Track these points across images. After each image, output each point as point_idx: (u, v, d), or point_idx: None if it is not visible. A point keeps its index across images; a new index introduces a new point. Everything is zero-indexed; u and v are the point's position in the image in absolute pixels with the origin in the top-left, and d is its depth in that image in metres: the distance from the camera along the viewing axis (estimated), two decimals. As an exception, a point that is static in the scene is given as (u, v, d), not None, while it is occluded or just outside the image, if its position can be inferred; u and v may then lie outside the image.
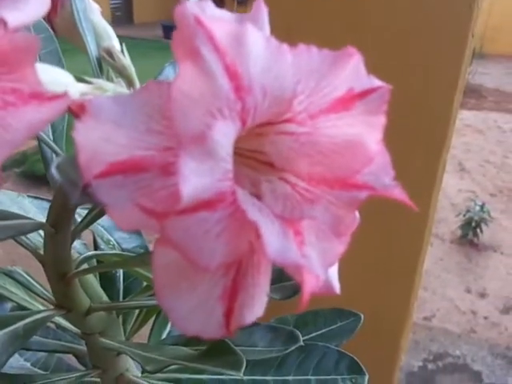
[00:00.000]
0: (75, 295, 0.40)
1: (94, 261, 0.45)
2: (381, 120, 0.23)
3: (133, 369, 0.50)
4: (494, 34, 8.49)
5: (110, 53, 0.34)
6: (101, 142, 0.21)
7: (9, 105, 0.20)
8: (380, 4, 0.79)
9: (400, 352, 1.03)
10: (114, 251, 0.52)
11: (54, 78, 0.26)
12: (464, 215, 3.17)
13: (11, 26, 0.20)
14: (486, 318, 2.50)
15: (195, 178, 0.19)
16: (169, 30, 9.74)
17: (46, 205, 0.53)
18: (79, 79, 0.28)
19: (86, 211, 0.40)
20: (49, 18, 0.38)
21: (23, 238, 0.39)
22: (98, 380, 0.50)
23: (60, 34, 0.38)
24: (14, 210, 0.48)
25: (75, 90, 0.27)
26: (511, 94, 6.83)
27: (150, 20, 11.80)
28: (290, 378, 0.55)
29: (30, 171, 3.59)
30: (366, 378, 0.56)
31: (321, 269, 0.22)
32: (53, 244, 0.36)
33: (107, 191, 0.21)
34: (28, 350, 0.56)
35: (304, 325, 0.62)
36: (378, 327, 0.93)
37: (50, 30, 0.41)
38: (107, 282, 0.53)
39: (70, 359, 0.61)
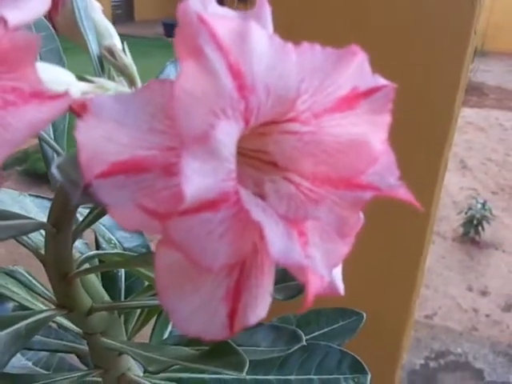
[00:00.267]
0: (77, 295, 0.40)
1: (96, 260, 0.45)
2: (386, 119, 0.23)
3: (134, 368, 0.50)
4: (495, 31, 8.48)
5: (111, 51, 0.33)
6: (102, 142, 0.20)
7: (9, 104, 0.20)
8: (382, 2, 0.79)
9: (402, 350, 1.03)
10: (115, 251, 0.52)
11: (55, 76, 0.26)
12: (466, 213, 3.17)
13: (11, 25, 0.20)
14: (487, 315, 2.50)
15: (198, 178, 0.19)
16: (170, 28, 9.73)
17: (48, 204, 0.53)
18: (80, 78, 0.28)
19: (87, 210, 0.40)
20: (50, 16, 0.37)
21: (24, 237, 0.39)
22: (100, 380, 0.50)
23: (61, 33, 0.38)
24: (16, 209, 0.47)
25: (76, 88, 0.27)
26: (513, 91, 6.83)
27: (150, 18, 11.79)
28: (292, 377, 0.55)
29: (31, 169, 3.59)
30: (369, 377, 0.56)
31: (325, 270, 0.22)
32: (54, 244, 0.36)
33: (108, 191, 0.20)
34: (30, 349, 0.56)
35: (306, 324, 0.62)
36: (379, 325, 0.92)
37: (51, 28, 0.40)
38: (109, 281, 0.53)
39: (72, 359, 0.61)
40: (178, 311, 0.22)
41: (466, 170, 4.21)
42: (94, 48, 0.34)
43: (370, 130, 0.23)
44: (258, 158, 0.26)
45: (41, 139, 0.36)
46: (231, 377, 0.49)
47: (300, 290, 0.38)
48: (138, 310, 0.54)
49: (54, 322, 0.47)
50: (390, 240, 0.93)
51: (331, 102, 0.23)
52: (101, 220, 0.48)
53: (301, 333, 0.45)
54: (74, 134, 0.20)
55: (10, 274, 0.43)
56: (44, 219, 0.50)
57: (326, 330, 0.62)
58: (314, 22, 0.83)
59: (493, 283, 2.77)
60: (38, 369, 0.61)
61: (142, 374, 0.51)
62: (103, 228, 0.57)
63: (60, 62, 0.41)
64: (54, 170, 0.21)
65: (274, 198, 0.24)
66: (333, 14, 0.81)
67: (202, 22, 0.20)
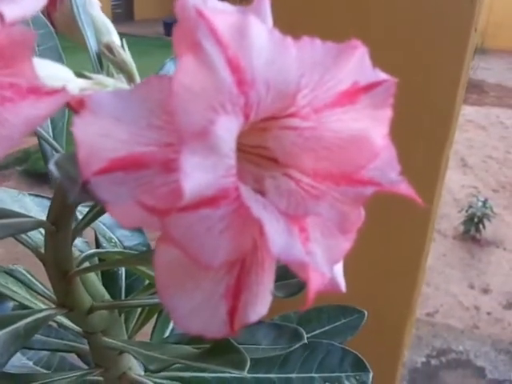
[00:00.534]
0: (77, 294, 0.40)
1: (96, 259, 0.45)
2: (387, 114, 0.23)
3: (135, 367, 0.50)
4: (495, 29, 8.48)
5: (110, 48, 0.33)
6: (100, 138, 0.20)
7: (6, 100, 0.20)
8: (384, 4, 0.79)
9: (403, 348, 1.03)
10: (115, 249, 0.52)
11: (53, 72, 0.26)
12: (466, 211, 3.17)
13: (8, 20, 0.20)
14: (489, 313, 2.50)
15: (197, 174, 0.19)
16: (170, 27, 9.72)
17: (47, 203, 0.52)
18: (79, 74, 0.28)
19: (87, 209, 0.39)
20: (48, 13, 0.37)
21: (24, 236, 0.38)
22: (101, 379, 0.50)
23: (59, 30, 0.38)
24: (15, 208, 0.47)
25: (75, 85, 0.27)
26: (513, 89, 6.82)
27: (150, 17, 11.79)
28: (293, 375, 0.54)
29: (32, 169, 3.59)
30: (371, 375, 0.56)
31: (326, 266, 0.22)
32: (54, 242, 0.36)
33: (107, 188, 0.20)
34: (30, 349, 0.55)
35: (307, 322, 0.61)
36: (381, 323, 0.92)
37: (50, 25, 0.40)
38: (109, 280, 0.53)
39: (73, 358, 0.61)
40: (178, 309, 0.22)
41: (466, 168, 4.21)
42: (92, 45, 0.34)
43: (371, 125, 0.23)
44: (257, 153, 0.25)
45: (40, 137, 0.36)
46: (232, 375, 0.49)
47: (301, 287, 0.38)
48: (139, 309, 0.54)
49: (54, 321, 0.47)
50: (391, 238, 0.92)
51: (331, 96, 0.22)
52: (101, 219, 0.48)
53: (302, 331, 0.44)
54: (71, 130, 0.20)
55: (10, 273, 0.43)
56: (44, 218, 0.50)
57: (327, 327, 0.62)
58: (314, 21, 0.83)
59: (494, 281, 2.77)
60: (38, 368, 0.61)
61: (143, 373, 0.51)
62: (103, 227, 0.57)
63: (59, 60, 0.40)
64: (52, 167, 0.20)
65: (274, 195, 0.24)
66: (333, 11, 0.81)
67: (201, 16, 0.19)
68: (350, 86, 0.22)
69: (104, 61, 0.35)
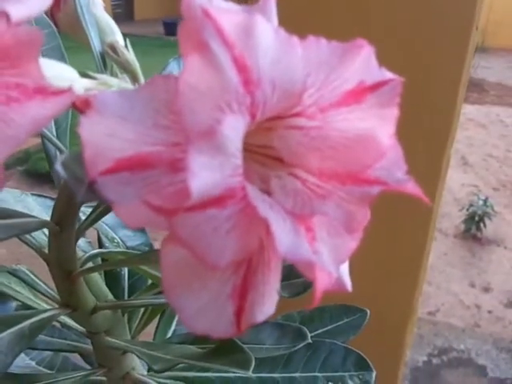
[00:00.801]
0: (80, 294, 0.40)
1: (99, 259, 0.45)
2: (393, 113, 0.23)
3: (139, 367, 0.50)
4: (495, 27, 8.47)
5: (113, 48, 0.33)
6: (106, 138, 0.20)
7: (12, 100, 0.20)
8: (384, 3, 0.79)
9: (405, 347, 1.03)
10: (118, 249, 0.52)
11: (58, 73, 0.26)
12: (467, 209, 3.17)
13: (14, 20, 0.20)
14: (490, 312, 2.50)
15: (204, 174, 0.19)
16: (170, 26, 9.73)
17: (50, 203, 0.52)
18: (83, 74, 0.28)
19: (90, 209, 0.39)
20: (51, 13, 0.37)
21: (28, 236, 0.38)
22: (104, 379, 0.50)
23: (63, 30, 0.38)
24: (18, 208, 0.47)
25: (79, 85, 0.27)
26: (513, 87, 6.82)
27: (150, 17, 11.78)
28: (297, 374, 0.54)
29: (33, 169, 3.59)
30: (374, 374, 0.56)
31: (332, 265, 0.22)
32: (57, 242, 0.36)
33: (113, 188, 0.20)
34: (34, 349, 0.55)
35: (310, 321, 0.61)
36: (382, 322, 0.92)
37: (53, 25, 0.40)
38: (112, 280, 0.53)
39: (76, 358, 0.61)
40: (185, 309, 0.22)
41: (467, 167, 4.21)
42: (96, 45, 0.34)
43: (378, 124, 0.23)
44: (263, 153, 0.25)
45: (43, 137, 0.36)
46: (236, 375, 0.49)
47: (306, 287, 0.38)
48: (142, 309, 0.54)
49: (57, 321, 0.47)
50: (393, 237, 0.92)
51: (337, 96, 0.22)
52: (104, 219, 0.47)
53: (306, 330, 0.44)
54: (77, 130, 0.20)
55: (13, 273, 0.43)
56: (47, 218, 0.50)
57: (329, 327, 0.62)
58: (314, 21, 0.83)
59: (495, 279, 2.77)
60: (41, 368, 0.61)
61: (146, 373, 0.51)
62: (106, 227, 0.57)
63: (62, 60, 0.40)
64: (59, 167, 0.20)
65: (280, 194, 0.24)
66: (333, 10, 0.81)
67: (207, 15, 0.19)
68: (356, 85, 0.22)
69: (108, 61, 0.34)
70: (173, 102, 0.20)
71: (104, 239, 0.56)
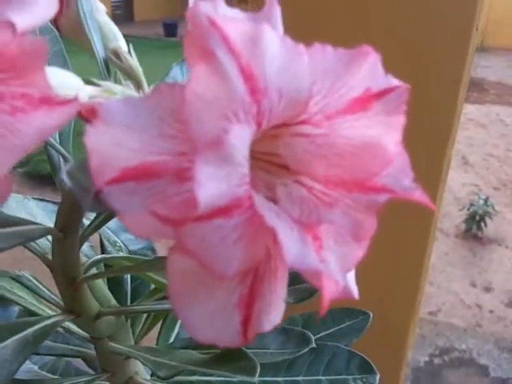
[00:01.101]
0: (84, 300, 0.39)
1: (102, 264, 0.45)
2: (400, 120, 0.23)
3: (142, 372, 0.50)
4: (495, 27, 8.48)
5: (116, 54, 0.33)
6: (112, 147, 0.20)
7: (18, 110, 0.20)
8: (384, 2, 0.79)
9: (407, 348, 1.03)
10: (121, 254, 0.52)
11: (63, 81, 0.26)
12: (468, 209, 3.17)
13: (19, 30, 0.20)
14: (491, 311, 2.50)
15: (212, 184, 0.19)
16: (170, 28, 9.73)
17: (52, 207, 0.52)
18: (87, 82, 0.28)
19: (93, 215, 0.39)
20: (54, 18, 0.37)
21: (31, 242, 0.38)
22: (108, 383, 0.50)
23: (65, 35, 0.38)
24: (21, 213, 0.47)
25: (84, 92, 0.26)
26: (513, 86, 6.82)
27: (150, 18, 11.78)
28: (300, 378, 0.54)
29: (34, 171, 3.59)
30: (377, 377, 0.56)
31: (340, 274, 0.22)
32: (61, 249, 0.36)
33: (119, 198, 0.20)
34: (37, 354, 0.55)
35: (313, 324, 0.61)
36: (384, 324, 0.92)
37: (55, 30, 0.40)
38: (115, 284, 0.53)
39: (79, 362, 0.61)
40: (192, 318, 0.22)
41: (467, 166, 4.21)
42: (99, 50, 0.34)
43: (384, 132, 0.22)
44: (268, 160, 0.25)
45: (46, 143, 0.36)
46: (240, 379, 0.48)
47: (310, 292, 0.37)
48: (145, 314, 0.54)
49: (60, 326, 0.47)
50: (394, 238, 0.92)
51: (344, 103, 0.22)
52: (105, 223, 0.47)
53: (310, 335, 0.44)
54: (81, 138, 0.20)
55: (16, 279, 0.43)
56: (49, 223, 0.50)
57: (332, 330, 0.62)
58: (314, 21, 0.82)
59: (496, 279, 2.77)
60: (44, 373, 0.60)
61: (149, 378, 0.51)
62: (108, 230, 0.57)
63: (64, 65, 0.40)
64: (65, 177, 0.20)
65: (286, 202, 0.23)
66: (333, 11, 0.81)
67: (214, 25, 0.19)
68: (362, 92, 0.22)
69: (111, 67, 0.34)
70: (178, 111, 0.20)
71: (106, 243, 0.56)
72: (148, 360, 0.38)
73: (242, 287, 0.22)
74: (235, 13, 0.23)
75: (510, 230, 3.26)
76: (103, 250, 0.55)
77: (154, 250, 0.57)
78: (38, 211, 0.51)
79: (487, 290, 2.69)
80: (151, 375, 0.51)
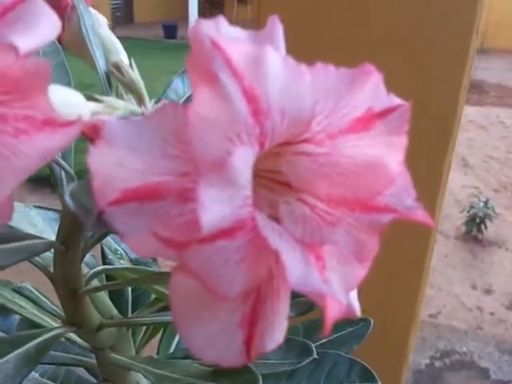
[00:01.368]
0: (86, 312, 0.39)
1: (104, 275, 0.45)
2: (402, 141, 0.23)
3: (143, 382, 0.50)
4: (495, 29, 8.48)
5: (118, 67, 0.33)
6: (115, 168, 0.20)
7: (21, 132, 0.20)
8: (383, 5, 0.79)
9: (408, 351, 1.02)
10: (122, 263, 0.52)
11: (64, 98, 0.26)
12: (468, 211, 3.16)
13: (22, 51, 0.20)
14: (492, 314, 2.49)
15: (215, 207, 0.19)
16: (169, 29, 9.73)
17: (53, 215, 0.52)
18: (89, 97, 0.28)
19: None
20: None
21: (33, 255, 0.38)
22: (109, 393, 0.49)
23: (66, 48, 0.38)
24: (23, 223, 0.47)
25: (86, 109, 0.27)
26: (513, 88, 6.82)
27: (150, 20, 11.78)
28: (301, 386, 0.54)
29: (33, 174, 3.57)
30: (379, 385, 0.56)
31: (342, 294, 0.22)
32: (63, 262, 0.36)
33: (122, 219, 0.20)
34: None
35: (314, 332, 0.61)
36: (386, 328, 0.92)
37: (56, 42, 0.40)
38: (116, 293, 0.53)
39: (80, 369, 0.60)
40: (195, 338, 0.22)
41: (467, 169, 4.21)
42: (101, 64, 0.34)
43: (386, 152, 0.22)
44: (271, 178, 0.25)
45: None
46: (241, 388, 0.48)
47: (311, 305, 0.37)
48: (147, 324, 0.54)
49: (61, 336, 0.46)
50: (395, 241, 0.92)
51: (346, 123, 0.22)
52: (106, 231, 0.47)
53: (311, 346, 0.44)
54: (85, 159, 0.20)
55: (18, 291, 0.43)
56: (50, 232, 0.50)
57: (333, 337, 0.62)
58: (314, 21, 0.82)
59: (497, 281, 2.77)
60: (45, 380, 0.60)
61: (151, 387, 0.51)
62: (109, 238, 0.57)
63: (66, 76, 0.40)
64: (67, 199, 0.20)
65: (289, 221, 0.23)
66: (333, 11, 0.81)
67: (216, 47, 0.19)
68: (365, 112, 0.22)
69: (113, 80, 0.34)
70: (181, 132, 0.20)
71: (107, 251, 0.56)
72: (150, 372, 0.38)
73: (245, 307, 0.22)
74: (238, 32, 0.23)
75: (510, 233, 3.26)
76: (104, 258, 0.55)
77: (155, 259, 0.57)
78: (39, 220, 0.51)
79: (488, 292, 2.69)
80: (152, 384, 0.51)
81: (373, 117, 0.22)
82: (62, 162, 0.33)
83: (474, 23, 0.75)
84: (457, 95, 0.79)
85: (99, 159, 0.20)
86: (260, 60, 0.20)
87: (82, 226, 0.32)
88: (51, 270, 0.38)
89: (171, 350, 0.56)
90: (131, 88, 0.33)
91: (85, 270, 0.41)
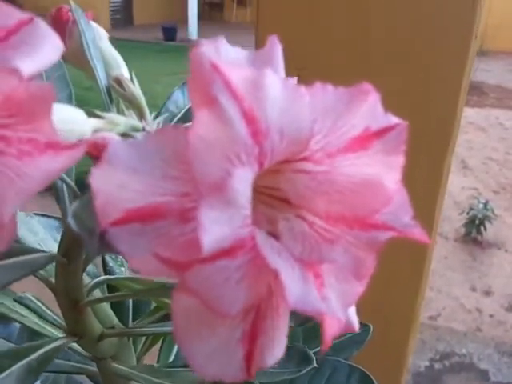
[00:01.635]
0: (87, 322, 0.40)
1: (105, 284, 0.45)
2: (399, 160, 0.23)
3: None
4: (494, 30, 8.48)
5: (119, 82, 0.33)
6: (117, 189, 0.20)
7: (24, 154, 0.20)
8: (382, 10, 0.79)
9: (408, 354, 1.03)
10: (123, 272, 0.52)
11: (66, 116, 0.26)
12: (467, 213, 3.16)
13: (26, 75, 0.20)
14: (491, 315, 2.50)
15: (215, 229, 0.19)
16: (169, 32, 9.73)
17: (54, 222, 0.53)
18: (90, 114, 0.28)
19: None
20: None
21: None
22: (111, 401, 0.50)
23: (68, 61, 0.38)
24: (24, 231, 0.48)
25: (88, 126, 0.27)
26: (513, 90, 6.83)
27: (149, 22, 11.78)
28: (301, 393, 0.54)
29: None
30: (378, 390, 0.56)
31: (341, 311, 0.22)
32: (65, 274, 0.36)
33: (125, 239, 0.20)
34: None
35: (314, 337, 0.61)
36: (385, 330, 0.92)
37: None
38: (116, 301, 0.53)
39: (81, 377, 0.61)
40: (196, 354, 0.22)
41: (467, 170, 4.21)
42: (102, 79, 0.34)
43: (384, 171, 0.23)
44: (270, 194, 0.26)
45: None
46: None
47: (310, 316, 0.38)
48: (147, 332, 0.54)
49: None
50: (394, 243, 0.92)
51: (344, 142, 0.23)
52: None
53: (311, 354, 0.44)
54: (88, 180, 0.20)
55: (20, 301, 0.43)
56: (51, 240, 0.50)
57: (333, 343, 0.62)
58: (314, 22, 0.83)
59: (496, 283, 2.77)
60: (46, 387, 0.61)
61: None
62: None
63: (67, 88, 0.41)
64: (71, 220, 0.21)
65: (288, 238, 0.24)
66: (333, 15, 0.81)
67: (216, 70, 0.20)
68: (363, 131, 0.23)
69: (114, 94, 0.35)
70: (181, 153, 0.21)
71: (108, 258, 0.56)
72: (150, 382, 0.38)
73: (245, 324, 0.22)
74: (237, 52, 0.23)
75: (509, 234, 3.26)
76: (105, 266, 0.55)
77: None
78: (40, 228, 0.51)
79: (487, 294, 2.69)
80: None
81: (370, 136, 0.23)
82: (64, 176, 0.34)
83: (474, 26, 0.76)
84: (456, 97, 0.80)
85: (101, 180, 0.20)
86: (259, 83, 0.20)
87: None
88: (53, 280, 0.38)
89: (171, 357, 0.56)
90: (132, 102, 0.33)
91: (86, 279, 0.41)
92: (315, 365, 0.43)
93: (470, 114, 5.48)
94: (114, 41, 0.40)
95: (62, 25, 0.36)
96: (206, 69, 0.20)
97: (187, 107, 0.42)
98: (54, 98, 0.20)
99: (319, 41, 0.83)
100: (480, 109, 5.91)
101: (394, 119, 0.23)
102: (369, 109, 0.23)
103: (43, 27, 0.22)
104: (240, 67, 0.20)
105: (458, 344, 2.28)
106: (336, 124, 0.22)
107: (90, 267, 0.51)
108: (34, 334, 0.55)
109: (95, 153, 0.25)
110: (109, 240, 0.20)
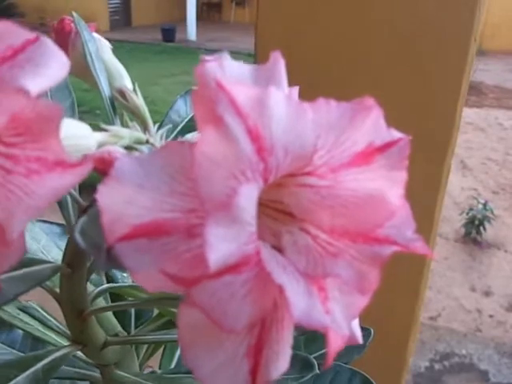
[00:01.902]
0: (91, 331, 0.40)
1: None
2: (402, 175, 0.23)
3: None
4: (493, 30, 8.49)
5: (122, 93, 0.34)
6: (124, 205, 0.21)
7: (33, 173, 0.20)
8: (383, 15, 0.79)
9: (408, 354, 1.03)
10: (126, 278, 0.52)
11: (72, 131, 0.26)
12: (467, 213, 3.17)
13: (33, 93, 0.20)
14: (491, 316, 2.50)
15: (222, 246, 0.19)
16: (168, 33, 9.73)
17: (56, 229, 0.53)
18: (95, 127, 0.28)
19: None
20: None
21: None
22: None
23: (71, 72, 0.38)
24: (27, 239, 0.48)
25: (93, 140, 0.27)
26: (512, 90, 6.83)
27: (148, 23, 11.77)
28: (303, 399, 0.55)
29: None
30: (379, 395, 0.56)
31: (345, 324, 0.22)
32: (69, 283, 0.36)
33: (131, 255, 0.21)
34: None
35: (314, 341, 0.62)
36: (386, 332, 0.92)
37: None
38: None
39: (85, 383, 0.61)
40: (202, 368, 0.22)
41: (466, 170, 4.22)
42: (105, 90, 0.34)
43: (387, 185, 0.23)
44: (274, 207, 0.26)
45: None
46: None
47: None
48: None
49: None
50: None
51: (347, 157, 0.23)
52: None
53: (313, 361, 0.45)
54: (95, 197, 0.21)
55: (24, 310, 0.43)
56: (54, 247, 0.50)
57: (334, 347, 0.62)
58: (314, 21, 0.83)
59: (496, 283, 2.77)
60: (49, 393, 0.61)
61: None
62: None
63: (69, 97, 0.41)
64: (78, 237, 0.21)
65: (292, 252, 0.24)
66: (333, 16, 0.81)
67: (221, 88, 0.20)
68: (366, 146, 0.23)
69: (117, 105, 0.35)
70: (187, 169, 0.21)
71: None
72: (154, 390, 0.38)
73: (250, 337, 0.23)
74: (241, 67, 0.23)
75: (509, 234, 3.26)
76: (107, 273, 0.55)
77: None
78: (43, 235, 0.51)
79: (487, 294, 2.69)
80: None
81: (373, 151, 0.23)
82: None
83: (473, 28, 0.76)
84: (456, 98, 0.80)
85: (108, 196, 0.21)
86: (263, 101, 0.21)
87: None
88: (57, 290, 0.38)
89: (173, 363, 0.56)
90: (135, 114, 0.33)
91: (89, 287, 0.41)
92: (317, 371, 0.44)
93: (468, 114, 5.49)
94: (113, 42, 0.40)
95: (64, 36, 0.36)
96: (211, 87, 0.20)
97: (189, 116, 0.42)
98: (61, 117, 0.20)
99: (319, 42, 0.83)
100: (479, 109, 5.91)
101: (396, 134, 0.24)
102: (372, 124, 0.23)
103: (49, 45, 0.22)
104: (244, 85, 0.21)
105: (457, 344, 2.29)
106: (339, 139, 0.23)
107: (93, 275, 0.51)
108: (37, 341, 0.55)
109: (102, 167, 0.25)
110: (115, 255, 0.20)
